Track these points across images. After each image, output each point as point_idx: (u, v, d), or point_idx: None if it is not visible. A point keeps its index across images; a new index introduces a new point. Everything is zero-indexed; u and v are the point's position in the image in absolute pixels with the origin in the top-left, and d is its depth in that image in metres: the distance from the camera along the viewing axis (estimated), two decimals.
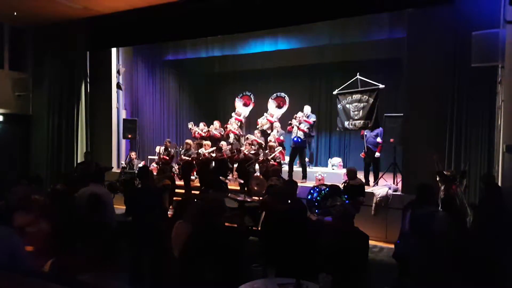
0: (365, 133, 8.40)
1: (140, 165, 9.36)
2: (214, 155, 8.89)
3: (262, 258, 3.81)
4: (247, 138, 9.54)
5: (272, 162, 8.23)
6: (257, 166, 8.86)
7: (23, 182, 4.99)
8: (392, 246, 5.28)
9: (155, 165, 9.92)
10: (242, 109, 11.02)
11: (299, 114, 9.21)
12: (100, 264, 2.22)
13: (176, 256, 3.69)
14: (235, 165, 8.96)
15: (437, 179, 5.71)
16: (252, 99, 11.09)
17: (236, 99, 11.29)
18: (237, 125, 10.47)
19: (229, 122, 10.62)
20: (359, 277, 3.50)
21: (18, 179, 5.22)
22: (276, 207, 4.17)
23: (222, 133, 10.32)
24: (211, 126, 10.52)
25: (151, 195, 4.80)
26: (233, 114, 10.81)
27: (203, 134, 10.35)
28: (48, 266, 2.25)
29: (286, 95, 10.72)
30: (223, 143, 9.39)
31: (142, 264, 4.44)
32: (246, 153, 8.57)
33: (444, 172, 5.72)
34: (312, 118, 9.17)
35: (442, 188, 5.60)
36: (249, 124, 11.55)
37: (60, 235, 3.07)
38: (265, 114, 10.47)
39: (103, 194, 4.48)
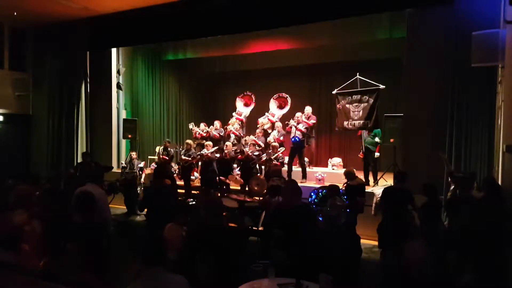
0: (362, 133, 8.41)
1: (141, 165, 9.37)
2: (218, 155, 8.91)
3: (263, 256, 3.80)
4: (245, 140, 9.55)
5: (275, 162, 8.24)
6: (257, 167, 8.89)
7: (10, 182, 4.89)
8: None
9: (155, 165, 9.92)
10: (242, 109, 11.02)
11: (298, 114, 9.27)
12: (91, 264, 2.22)
13: (173, 258, 3.68)
14: (235, 165, 8.98)
15: (449, 180, 5.70)
16: (253, 99, 11.09)
17: (237, 98, 11.29)
18: (239, 125, 10.47)
19: (229, 122, 10.61)
20: (350, 276, 3.52)
21: (2, 179, 5.13)
22: (285, 206, 4.13)
23: (222, 134, 10.32)
24: (211, 126, 10.52)
25: (165, 194, 4.79)
26: (234, 114, 10.80)
27: (204, 135, 10.36)
28: (42, 265, 2.25)
29: (288, 96, 10.72)
30: (228, 143, 9.41)
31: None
32: (250, 154, 8.58)
33: (456, 174, 5.67)
34: (312, 120, 9.18)
35: (452, 188, 5.58)
36: (249, 124, 11.53)
37: (52, 234, 3.06)
38: (266, 113, 10.47)
39: (97, 194, 4.44)
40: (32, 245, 2.75)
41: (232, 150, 9.03)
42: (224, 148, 9.08)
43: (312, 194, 6.36)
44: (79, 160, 9.49)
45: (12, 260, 2.41)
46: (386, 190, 5.58)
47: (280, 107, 10.70)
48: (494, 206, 4.06)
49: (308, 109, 9.31)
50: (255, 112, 11.11)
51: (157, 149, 10.57)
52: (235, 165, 9.25)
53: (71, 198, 4.32)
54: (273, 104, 10.77)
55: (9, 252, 2.59)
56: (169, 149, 9.69)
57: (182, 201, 6.40)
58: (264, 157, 8.54)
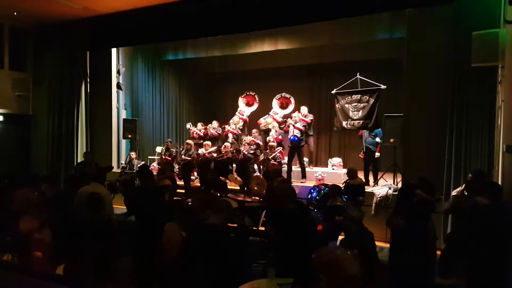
0: (364, 133, 8.41)
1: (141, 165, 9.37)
2: (215, 155, 8.91)
3: (264, 257, 3.79)
4: (244, 140, 9.54)
5: (272, 162, 8.23)
6: (256, 166, 8.89)
7: (4, 182, 4.87)
8: None
9: (155, 165, 9.92)
10: (244, 109, 11.02)
11: (295, 114, 9.30)
12: (103, 266, 2.21)
13: (172, 260, 3.67)
14: (234, 166, 8.97)
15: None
16: (257, 99, 11.09)
17: (240, 98, 11.28)
18: (240, 124, 10.46)
19: (230, 122, 10.59)
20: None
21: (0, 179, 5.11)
22: (283, 207, 4.11)
23: (220, 133, 10.32)
24: (210, 125, 10.53)
25: (151, 195, 4.76)
26: (237, 113, 10.79)
27: (201, 134, 10.36)
28: (61, 270, 2.24)
29: (291, 96, 10.72)
30: (226, 144, 9.40)
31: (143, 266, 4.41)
32: (246, 153, 8.58)
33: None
34: (310, 117, 9.19)
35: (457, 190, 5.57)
36: (251, 123, 11.53)
37: (62, 237, 3.04)
38: (269, 113, 10.46)
39: (103, 194, 4.45)
40: (44, 252, 2.74)
41: (230, 150, 9.04)
42: (222, 148, 9.09)
43: (312, 191, 6.36)
44: (79, 160, 9.49)
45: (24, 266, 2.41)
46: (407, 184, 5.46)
47: (282, 106, 10.70)
48: (496, 209, 4.04)
49: (304, 109, 9.32)
50: (256, 112, 11.12)
51: (157, 149, 10.58)
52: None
53: (73, 198, 4.32)
54: (275, 104, 10.78)
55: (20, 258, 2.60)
56: (171, 149, 9.70)
57: (181, 202, 6.39)
58: (262, 156, 8.55)
